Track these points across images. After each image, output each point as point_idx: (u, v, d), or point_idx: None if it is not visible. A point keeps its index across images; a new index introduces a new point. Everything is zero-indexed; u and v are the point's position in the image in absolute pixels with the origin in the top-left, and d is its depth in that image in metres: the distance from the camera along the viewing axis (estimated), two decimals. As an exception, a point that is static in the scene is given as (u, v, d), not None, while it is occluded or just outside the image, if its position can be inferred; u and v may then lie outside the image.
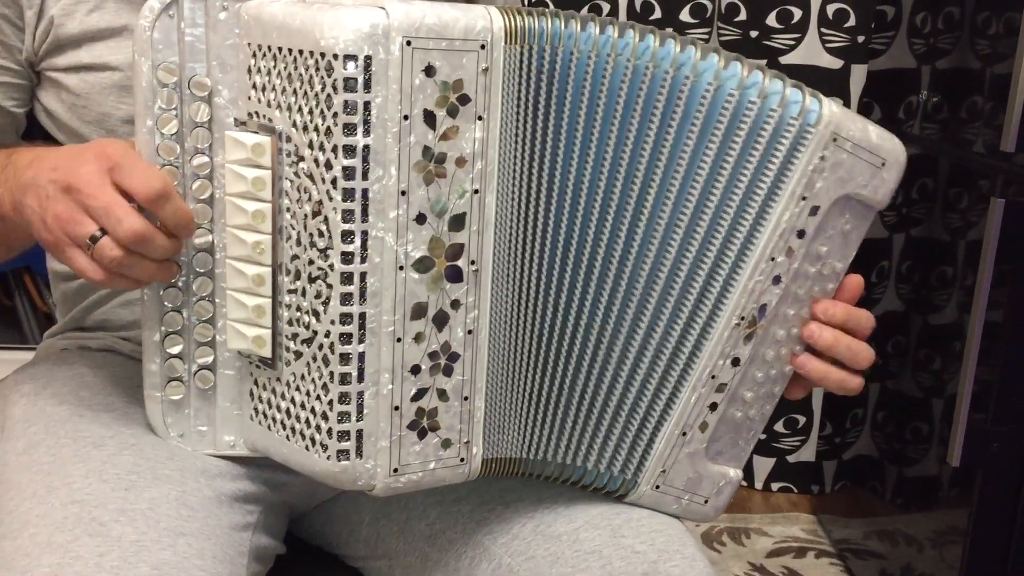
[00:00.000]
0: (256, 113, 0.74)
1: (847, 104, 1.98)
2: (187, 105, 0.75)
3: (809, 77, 1.92)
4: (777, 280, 0.80)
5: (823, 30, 1.96)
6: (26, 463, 0.80)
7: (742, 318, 0.80)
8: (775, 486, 2.20)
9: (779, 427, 2.16)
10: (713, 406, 0.82)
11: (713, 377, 0.81)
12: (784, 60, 1.97)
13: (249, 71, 0.74)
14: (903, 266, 1.90)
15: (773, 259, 0.79)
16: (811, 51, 1.97)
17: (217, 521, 0.79)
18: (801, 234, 0.79)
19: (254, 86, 0.74)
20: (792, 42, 1.97)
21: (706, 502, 0.86)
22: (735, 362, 0.81)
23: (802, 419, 2.14)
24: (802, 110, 0.77)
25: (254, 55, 0.73)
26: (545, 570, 0.80)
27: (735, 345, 0.81)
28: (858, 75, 1.97)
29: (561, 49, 0.73)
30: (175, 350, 0.79)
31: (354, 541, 0.93)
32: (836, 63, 1.96)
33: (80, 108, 0.87)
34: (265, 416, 0.78)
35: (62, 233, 0.71)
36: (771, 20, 1.97)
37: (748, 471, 2.21)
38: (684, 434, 0.83)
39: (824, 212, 0.79)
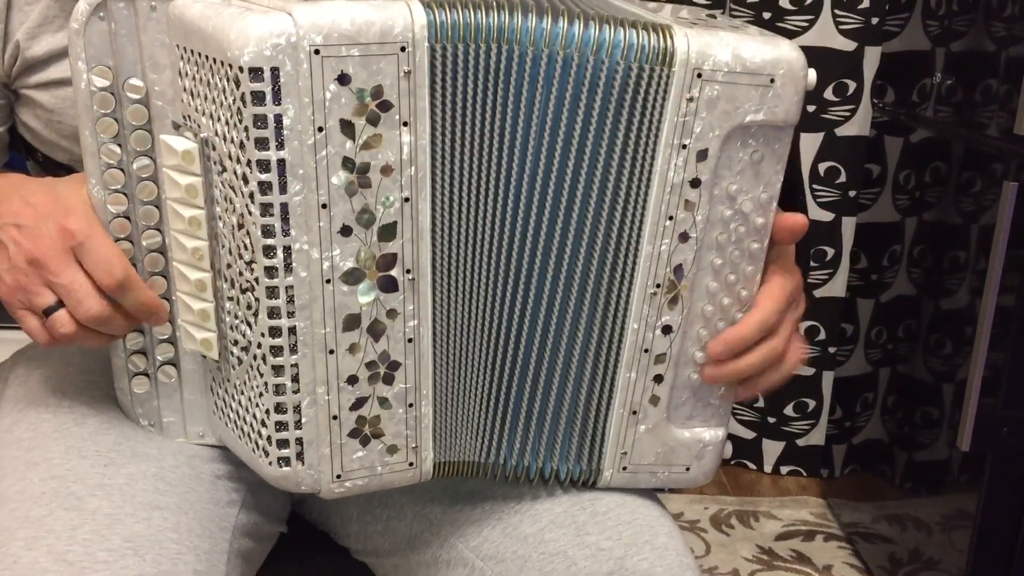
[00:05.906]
0: (188, 117, 0.71)
1: (860, 88, 1.97)
2: (124, 108, 0.73)
3: (822, 59, 1.90)
4: (685, 237, 0.75)
5: (837, 11, 1.94)
6: (8, 440, 0.81)
7: (658, 286, 0.76)
8: (784, 469, 2.20)
9: (789, 411, 2.16)
10: (658, 378, 0.79)
11: (647, 351, 0.78)
12: (797, 42, 1.95)
13: (179, 74, 0.71)
14: (915, 250, 1.89)
15: (671, 218, 0.74)
16: (825, 33, 1.95)
17: (196, 497, 0.79)
18: (696, 183, 0.73)
19: (184, 89, 0.71)
20: (805, 23, 1.95)
21: (688, 470, 0.82)
22: (666, 330, 0.78)
23: (812, 403, 2.14)
24: (644, 53, 0.70)
25: (181, 57, 0.70)
26: (515, 574, 0.79)
27: (659, 314, 0.77)
28: (872, 57, 1.95)
29: (483, 43, 0.68)
30: (135, 347, 0.79)
31: (346, 535, 0.93)
32: (850, 45, 1.95)
33: (56, 123, 0.86)
34: (223, 413, 0.78)
35: (16, 299, 0.72)
36: (784, 1, 1.95)
37: (757, 454, 2.21)
38: (635, 413, 0.80)
39: (717, 153, 0.73)
